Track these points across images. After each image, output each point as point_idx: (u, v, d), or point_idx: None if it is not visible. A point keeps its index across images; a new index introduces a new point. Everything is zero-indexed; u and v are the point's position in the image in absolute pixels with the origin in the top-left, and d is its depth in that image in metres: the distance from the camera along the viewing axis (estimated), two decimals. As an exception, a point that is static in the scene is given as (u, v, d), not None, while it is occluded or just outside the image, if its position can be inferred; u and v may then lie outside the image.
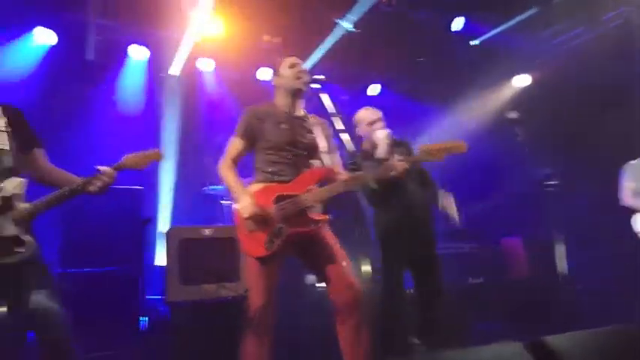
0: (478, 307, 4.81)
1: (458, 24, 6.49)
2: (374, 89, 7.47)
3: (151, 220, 3.80)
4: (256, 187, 2.59)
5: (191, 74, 6.48)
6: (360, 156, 3.06)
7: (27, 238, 2.00)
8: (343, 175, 2.59)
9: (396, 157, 2.43)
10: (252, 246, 2.48)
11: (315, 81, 2.60)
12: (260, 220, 2.46)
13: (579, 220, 3.79)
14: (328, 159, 2.68)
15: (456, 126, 6.75)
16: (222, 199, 5.20)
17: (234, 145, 2.67)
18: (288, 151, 2.59)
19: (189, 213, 5.73)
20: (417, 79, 7.23)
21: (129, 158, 2.30)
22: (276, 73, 2.74)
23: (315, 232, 2.54)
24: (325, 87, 2.56)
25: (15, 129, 2.15)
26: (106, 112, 5.82)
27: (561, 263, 3.31)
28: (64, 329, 2.00)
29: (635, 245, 4.10)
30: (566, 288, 3.29)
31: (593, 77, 5.80)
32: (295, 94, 2.67)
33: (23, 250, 1.97)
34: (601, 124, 5.59)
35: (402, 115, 7.26)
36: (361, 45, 6.45)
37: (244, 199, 2.48)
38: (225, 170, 2.63)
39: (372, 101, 7.49)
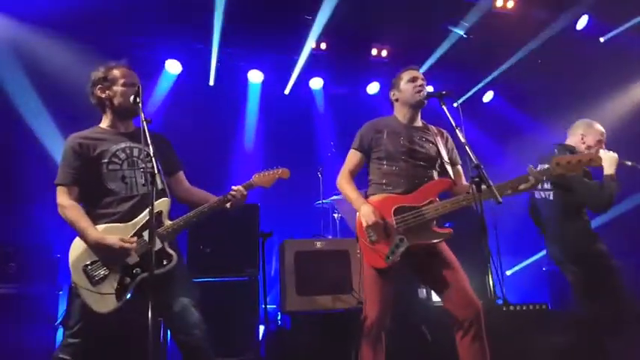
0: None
1: (582, 22, 5.98)
2: (488, 96, 7.12)
3: (272, 233, 3.97)
4: (376, 197, 2.58)
5: (303, 93, 6.76)
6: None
7: (172, 251, 2.22)
8: (467, 187, 2.49)
9: (531, 169, 2.27)
10: (373, 257, 2.47)
11: (438, 96, 2.51)
12: (381, 230, 2.44)
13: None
14: (450, 170, 2.61)
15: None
16: (333, 213, 5.28)
17: (352, 157, 2.71)
18: (405, 161, 2.56)
19: (302, 226, 5.90)
20: (540, 81, 6.73)
21: (258, 177, 2.49)
22: (395, 87, 2.75)
23: (435, 246, 2.47)
24: (445, 99, 2.49)
25: (162, 154, 2.41)
26: (231, 134, 6.27)
27: None
28: (202, 332, 2.16)
29: None
30: None
31: None
32: (415, 106, 2.67)
33: (169, 263, 2.18)
34: None
35: (522, 120, 6.84)
36: (475, 51, 6.19)
37: (366, 208, 2.48)
38: (344, 183, 2.67)
39: (486, 107, 7.16)
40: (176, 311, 2.14)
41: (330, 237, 4.90)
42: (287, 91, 6.74)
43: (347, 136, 2.94)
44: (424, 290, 4.46)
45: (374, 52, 6.47)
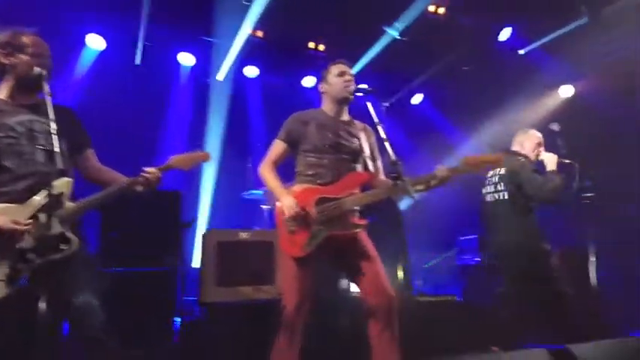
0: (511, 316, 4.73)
1: (505, 34, 6.36)
2: (417, 98, 7.38)
3: (193, 223, 3.85)
4: (298, 188, 2.60)
5: (237, 80, 6.62)
6: (530, 167, 3.41)
7: (72, 236, 2.06)
8: (385, 181, 2.56)
9: (440, 167, 2.38)
10: (291, 246, 2.49)
11: (362, 91, 2.61)
12: (301, 220, 2.46)
13: (616, 232, 3.60)
14: (371, 165, 2.68)
15: (498, 137, 6.57)
16: (262, 204, 5.24)
17: (276, 147, 2.70)
18: (330, 154, 2.60)
19: (228, 217, 5.81)
20: (462, 88, 7.09)
21: (175, 159, 2.36)
22: (324, 79, 2.77)
23: (353, 236, 2.52)
24: (370, 95, 2.55)
25: (68, 129, 2.22)
26: (155, 117, 6.01)
27: (592, 274, 3.31)
28: (99, 325, 2.03)
29: None
30: (596, 298, 3.13)
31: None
32: (342, 101, 2.70)
33: (67, 248, 2.03)
34: None
35: (443, 124, 7.18)
36: (407, 53, 6.39)
37: (287, 198, 2.50)
38: (266, 172, 2.66)
39: (414, 109, 7.42)
40: (74, 301, 2.00)
41: (256, 228, 4.85)
42: (220, 77, 6.57)
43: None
44: (345, 281, 4.56)
45: (311, 45, 6.49)
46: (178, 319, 3.73)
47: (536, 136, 3.67)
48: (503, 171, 3.57)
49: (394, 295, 2.45)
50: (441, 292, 4.86)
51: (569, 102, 6.83)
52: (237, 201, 5.64)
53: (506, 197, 3.51)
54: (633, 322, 4.68)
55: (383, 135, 2.30)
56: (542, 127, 5.76)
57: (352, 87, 2.64)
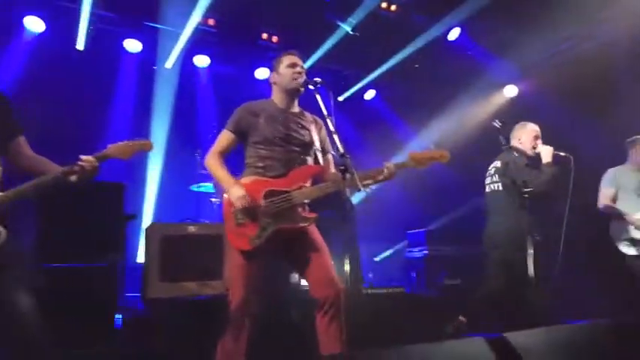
0: (455, 306, 4.87)
1: (454, 34, 6.52)
2: (370, 94, 7.45)
3: (136, 216, 3.71)
4: (247, 180, 2.55)
5: (186, 69, 6.42)
6: (522, 161, 3.60)
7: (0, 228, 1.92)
8: (335, 175, 2.55)
9: (387, 163, 2.42)
10: (239, 240, 2.44)
11: (312, 83, 2.57)
12: (250, 213, 2.42)
13: (558, 224, 3.82)
14: (322, 157, 2.68)
15: (446, 133, 6.77)
16: (212, 198, 5.13)
17: (224, 137, 2.63)
18: (280, 146, 2.56)
19: (176, 210, 5.64)
20: (413, 85, 7.23)
21: (114, 147, 2.22)
22: (274, 70, 2.71)
23: (302, 229, 2.50)
24: (320, 88, 2.53)
25: None
26: (97, 105, 5.73)
27: (531, 265, 3.42)
28: (33, 325, 1.90)
29: (610, 249, 4.21)
30: (537, 288, 3.39)
31: (580, 90, 5.93)
32: (292, 93, 2.66)
33: (-6, 241, 1.88)
34: (585, 135, 5.70)
35: (394, 120, 7.30)
36: (360, 49, 6.43)
37: (236, 189, 2.44)
38: (212, 162, 2.58)
39: (367, 105, 7.49)
40: (3, 300, 1.87)
41: (205, 221, 4.73)
42: (169, 65, 6.35)
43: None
44: (296, 275, 4.55)
45: (264, 36, 6.39)
46: (120, 317, 3.59)
47: (533, 129, 3.79)
48: (499, 163, 3.77)
49: (341, 288, 2.46)
50: (391, 285, 4.95)
51: (513, 101, 7.14)
52: (186, 194, 5.49)
53: (500, 188, 3.69)
54: (567, 311, 5.07)
55: (332, 128, 2.30)
56: (487, 125, 6.01)
57: (302, 79, 2.60)
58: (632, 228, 4.06)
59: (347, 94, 7.42)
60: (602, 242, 4.36)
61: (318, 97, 2.42)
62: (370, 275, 5.66)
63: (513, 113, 6.44)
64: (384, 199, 6.40)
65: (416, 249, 6.22)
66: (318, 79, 2.48)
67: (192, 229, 3.90)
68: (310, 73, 2.74)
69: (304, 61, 2.73)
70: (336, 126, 2.30)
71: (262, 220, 2.41)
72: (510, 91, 7.25)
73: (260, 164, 2.55)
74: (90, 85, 5.71)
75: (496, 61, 6.89)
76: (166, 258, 3.69)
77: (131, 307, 3.88)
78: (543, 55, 6.73)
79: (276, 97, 2.71)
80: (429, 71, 6.96)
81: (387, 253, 7.44)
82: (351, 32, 6.25)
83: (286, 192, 2.45)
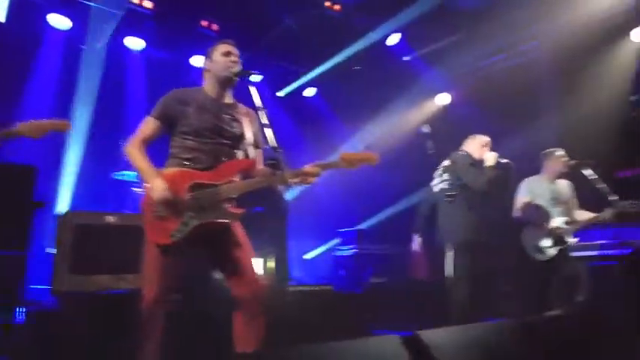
0: (380, 304, 5.16)
1: (394, 39, 6.66)
2: (310, 91, 7.45)
3: (44, 204, 3.43)
4: (171, 171, 2.40)
5: (117, 51, 6.07)
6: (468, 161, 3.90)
7: None
8: (265, 170, 2.48)
9: (310, 165, 2.39)
10: (157, 233, 2.30)
11: (247, 74, 2.48)
12: (171, 206, 2.28)
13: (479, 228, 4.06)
14: (253, 152, 2.57)
15: (379, 136, 6.93)
16: (135, 187, 4.87)
17: (149, 125, 2.46)
18: (209, 138, 2.43)
19: (95, 198, 5.31)
20: (352, 86, 7.31)
21: (23, 125, 2.06)
22: (208, 57, 2.58)
23: (226, 225, 2.41)
24: (257, 82, 2.44)
25: None
26: (17, 82, 5.27)
27: (449, 266, 3.68)
28: None
29: (523, 255, 4.44)
30: (456, 288, 3.60)
31: (506, 101, 6.27)
32: (225, 82, 2.53)
33: None
34: (511, 144, 6.05)
35: (331, 120, 7.35)
36: (302, 45, 6.40)
37: (156, 180, 2.30)
38: (134, 150, 2.42)
39: (306, 102, 7.49)
40: None
41: (126, 212, 4.49)
42: (98, 45, 5.97)
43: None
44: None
45: (204, 23, 6.19)
46: (23, 310, 3.30)
47: (481, 139, 4.10)
48: (447, 162, 3.99)
49: (262, 286, 2.40)
50: (319, 282, 4.96)
51: (445, 109, 7.42)
52: (107, 182, 5.18)
53: (446, 187, 3.89)
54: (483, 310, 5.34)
55: (265, 121, 2.23)
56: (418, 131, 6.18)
57: (237, 68, 2.49)
58: (541, 236, 4.27)
59: (287, 90, 7.36)
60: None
61: (252, 88, 2.34)
62: (298, 273, 5.64)
63: (445, 121, 6.73)
64: (318, 197, 6.42)
65: (346, 247, 6.30)
66: (253, 71, 2.39)
67: (110, 219, 3.67)
68: (249, 66, 2.65)
69: (243, 53, 2.60)
70: (270, 119, 2.23)
71: (185, 214, 2.29)
72: (442, 99, 7.54)
73: (186, 156, 2.41)
74: (9, 59, 5.23)
75: (430, 70, 7.16)
76: (80, 249, 3.44)
77: (37, 301, 3.59)
78: (474, 67, 7.08)
79: (208, 86, 2.57)
80: (367, 74, 7.06)
81: (318, 251, 7.48)
82: (294, 27, 6.20)
83: (213, 186, 2.34)
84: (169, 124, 2.47)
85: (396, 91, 7.16)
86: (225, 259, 2.41)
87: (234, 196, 2.40)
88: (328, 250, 7.27)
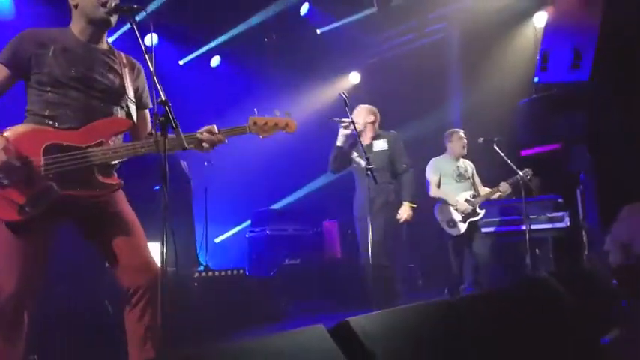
0: (294, 286, 5.15)
1: (304, 8, 6.39)
2: (215, 60, 6.89)
3: None
4: (22, 128, 1.88)
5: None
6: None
7: None
8: (152, 135, 2.08)
9: (207, 127, 2.06)
10: (2, 207, 1.79)
11: (129, 11, 1.93)
12: (18, 172, 1.78)
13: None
14: (134, 111, 2.12)
15: (291, 112, 6.64)
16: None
17: None
18: (77, 90, 1.94)
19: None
20: (262, 57, 6.89)
21: None
22: None
23: (104, 199, 1.97)
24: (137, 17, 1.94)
25: None
26: None
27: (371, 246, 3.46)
28: None
29: (438, 231, 4.65)
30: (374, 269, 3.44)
31: (415, 81, 6.41)
32: (98, 22, 2.00)
33: None
34: (419, 124, 6.13)
35: (238, 91, 6.88)
36: (205, 7, 5.79)
37: None
38: None
39: (212, 72, 6.92)
40: None
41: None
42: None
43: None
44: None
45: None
46: None
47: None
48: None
49: (157, 273, 1.99)
50: (230, 267, 4.61)
51: (357, 87, 7.32)
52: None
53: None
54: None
55: (152, 67, 1.79)
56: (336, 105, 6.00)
57: (112, 3, 1.95)
58: (453, 210, 4.51)
59: (189, 57, 6.73)
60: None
61: (134, 28, 1.87)
62: (208, 258, 5.21)
63: (356, 100, 6.61)
64: (227, 175, 5.99)
65: (257, 229, 5.98)
66: (135, 6, 1.88)
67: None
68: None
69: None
70: (155, 66, 1.78)
71: (40, 183, 1.80)
72: (354, 77, 7.47)
73: (46, 113, 1.90)
74: None
75: (343, 47, 6.99)
76: None
77: None
78: (384, 46, 7.06)
79: (76, 25, 2.02)
80: (278, 44, 6.69)
81: (229, 233, 7.07)
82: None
83: (78, 148, 1.87)
84: (22, 71, 1.93)
85: (311, 65, 6.91)
86: (109, 243, 1.97)
87: (110, 162, 1.94)
88: (240, 232, 6.90)
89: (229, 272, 4.52)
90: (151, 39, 4.93)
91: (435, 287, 5.46)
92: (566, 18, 5.39)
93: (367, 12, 6.39)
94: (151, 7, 5.34)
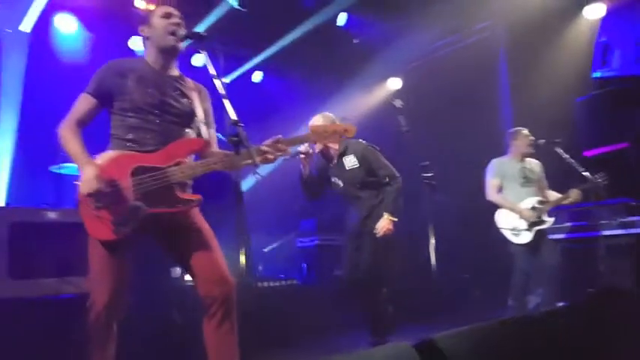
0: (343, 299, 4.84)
1: (341, 19, 6.51)
2: (257, 76, 7.15)
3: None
4: (109, 155, 2.12)
5: (45, 33, 5.52)
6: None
7: None
8: (220, 152, 2.26)
9: (273, 139, 2.17)
10: (99, 227, 2.01)
11: (196, 36, 2.19)
12: (111, 195, 2.00)
13: (448, 214, 3.91)
14: (205, 131, 2.32)
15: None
16: (76, 181, 4.43)
17: (83, 102, 2.16)
18: (155, 115, 2.16)
19: (32, 194, 4.80)
20: (300, 69, 7.08)
21: None
22: (146, 23, 2.26)
23: (182, 215, 2.16)
24: (207, 46, 2.17)
25: None
26: None
27: (431, 256, 3.36)
28: None
29: (499, 238, 4.31)
30: (439, 280, 3.32)
31: (460, 83, 6.26)
32: (168, 51, 2.24)
33: None
34: (468, 126, 6.02)
35: (281, 105, 7.10)
36: (246, 26, 6.08)
37: (87, 169, 1.99)
38: (67, 132, 2.11)
39: (255, 88, 7.19)
40: None
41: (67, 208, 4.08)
42: (26, 28, 5.38)
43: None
44: (177, 269, 4.15)
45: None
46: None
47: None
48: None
49: (233, 285, 2.16)
50: (282, 277, 4.73)
51: (397, 93, 7.34)
52: (44, 176, 4.69)
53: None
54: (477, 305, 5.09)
55: (222, 91, 1.99)
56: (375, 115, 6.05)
57: (181, 31, 2.19)
58: (517, 217, 4.17)
59: (234, 75, 7.03)
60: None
61: (204, 54, 2.08)
62: (260, 268, 5.38)
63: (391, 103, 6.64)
64: (275, 185, 6.18)
65: (307, 239, 6.05)
66: (202, 33, 2.12)
67: (51, 215, 3.30)
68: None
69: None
70: (201, 82, 1.97)
71: (129, 204, 2.00)
72: (396, 83, 7.46)
73: (129, 136, 2.12)
74: None
75: (380, 53, 7.03)
76: (18, 250, 3.07)
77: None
78: (427, 49, 7.04)
79: (150, 55, 2.26)
80: (317, 56, 6.84)
81: (277, 243, 7.22)
82: (238, 7, 5.87)
83: (159, 169, 2.07)
84: (107, 101, 2.17)
85: (347, 75, 6.99)
86: (190, 255, 2.15)
87: (186, 180, 2.14)
88: (287, 241, 7.03)
89: (282, 282, 4.63)
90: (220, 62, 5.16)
91: (491, 299, 5.01)
92: (627, 8, 5.09)
93: (405, 16, 6.43)
94: (198, 29, 5.67)
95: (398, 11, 6.45)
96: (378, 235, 3.35)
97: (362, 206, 3.47)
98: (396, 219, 3.39)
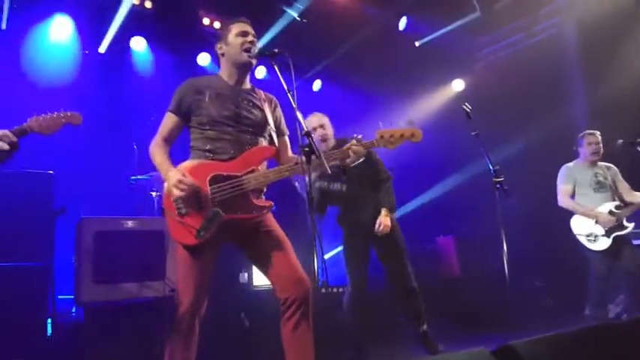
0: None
1: (402, 23, 6.49)
2: (317, 85, 7.26)
3: (66, 211, 3.31)
4: (189, 164, 2.26)
5: (121, 53, 5.94)
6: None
7: None
8: (293, 158, 2.36)
9: (354, 141, 2.23)
10: (183, 233, 2.15)
11: (270, 53, 2.27)
12: (192, 202, 2.13)
13: (518, 219, 3.77)
14: (276, 139, 2.44)
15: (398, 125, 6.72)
16: (151, 191, 4.72)
17: (167, 120, 2.35)
18: (230, 127, 2.29)
19: (111, 205, 5.16)
20: (361, 75, 7.11)
21: (36, 120, 2.00)
22: (222, 39, 2.41)
23: (258, 220, 2.26)
24: (279, 59, 2.26)
25: None
26: (22, 90, 5.12)
27: (504, 263, 3.25)
28: None
29: (573, 245, 4.16)
30: (511, 288, 3.22)
31: (527, 83, 6.04)
32: (242, 66, 2.37)
33: None
34: (536, 128, 5.79)
35: (344, 111, 7.14)
36: (306, 36, 6.20)
37: (173, 174, 2.14)
38: (154, 148, 2.31)
39: (315, 96, 7.30)
40: None
41: (144, 217, 4.35)
42: (102, 50, 5.83)
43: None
44: (245, 275, 4.30)
45: (205, 21, 6.05)
46: (50, 322, 3.18)
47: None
48: None
49: (309, 287, 2.23)
50: (344, 284, 4.74)
51: (461, 95, 7.15)
52: (122, 187, 5.03)
53: None
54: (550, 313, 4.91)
55: (294, 104, 2.07)
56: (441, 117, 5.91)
57: (255, 49, 2.33)
58: (593, 223, 4.03)
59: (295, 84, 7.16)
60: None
61: (276, 69, 2.18)
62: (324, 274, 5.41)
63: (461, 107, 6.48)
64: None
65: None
66: (275, 50, 2.22)
67: (129, 224, 3.54)
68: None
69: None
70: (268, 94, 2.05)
71: (209, 210, 2.13)
72: (459, 85, 7.33)
73: (208, 147, 2.27)
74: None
75: (443, 54, 6.91)
76: (101, 257, 3.32)
77: (64, 312, 3.48)
78: (489, 51, 6.85)
79: (225, 71, 2.42)
80: (379, 62, 6.84)
81: (338, 249, 7.25)
82: (298, 19, 6.02)
83: (236, 177, 2.19)
84: (186, 117, 2.33)
85: (412, 78, 6.93)
86: (267, 259, 2.25)
87: (260, 187, 2.24)
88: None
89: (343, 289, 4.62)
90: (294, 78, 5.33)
91: (565, 308, 4.85)
92: None
93: (470, 17, 6.29)
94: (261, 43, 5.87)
95: (459, 11, 6.32)
96: (378, 232, 3.40)
97: (369, 205, 3.49)
98: (393, 215, 3.53)
